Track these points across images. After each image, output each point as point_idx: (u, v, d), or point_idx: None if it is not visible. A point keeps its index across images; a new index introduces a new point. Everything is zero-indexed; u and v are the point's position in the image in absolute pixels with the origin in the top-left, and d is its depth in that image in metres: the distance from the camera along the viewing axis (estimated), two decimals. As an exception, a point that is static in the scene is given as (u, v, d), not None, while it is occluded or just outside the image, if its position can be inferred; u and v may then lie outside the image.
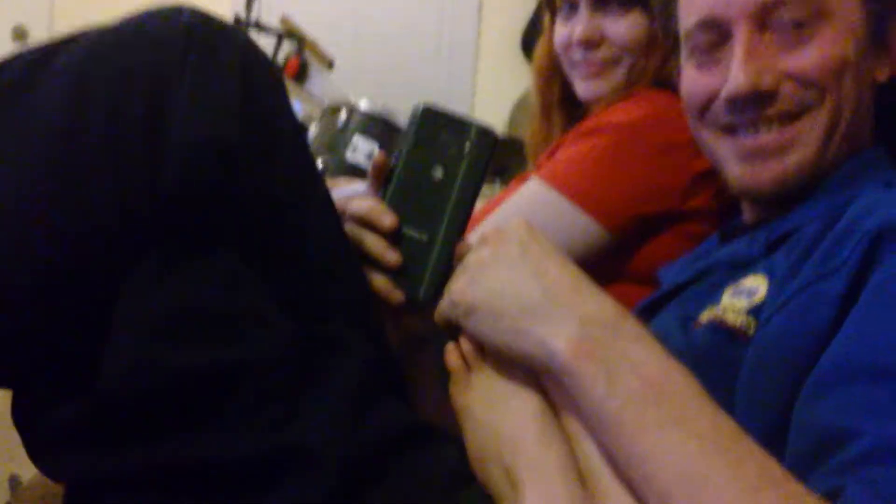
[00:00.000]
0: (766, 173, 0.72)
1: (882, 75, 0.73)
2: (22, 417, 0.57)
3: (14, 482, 1.08)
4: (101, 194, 0.53)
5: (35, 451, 0.57)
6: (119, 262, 0.53)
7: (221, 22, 0.60)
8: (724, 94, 0.72)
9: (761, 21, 0.70)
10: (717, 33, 0.73)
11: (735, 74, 0.70)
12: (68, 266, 0.52)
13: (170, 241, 0.54)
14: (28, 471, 1.02)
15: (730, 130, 0.74)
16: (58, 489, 0.84)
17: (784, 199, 0.72)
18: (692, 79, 0.77)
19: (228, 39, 0.59)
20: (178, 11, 0.59)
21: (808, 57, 0.69)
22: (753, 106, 0.70)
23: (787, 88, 0.70)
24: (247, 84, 0.58)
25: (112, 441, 0.52)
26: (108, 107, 0.54)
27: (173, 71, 0.55)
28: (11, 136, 0.53)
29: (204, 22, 0.58)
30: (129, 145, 0.53)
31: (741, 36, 0.70)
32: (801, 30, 0.69)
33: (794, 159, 0.71)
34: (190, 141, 0.54)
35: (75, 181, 0.52)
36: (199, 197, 0.55)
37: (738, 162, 0.74)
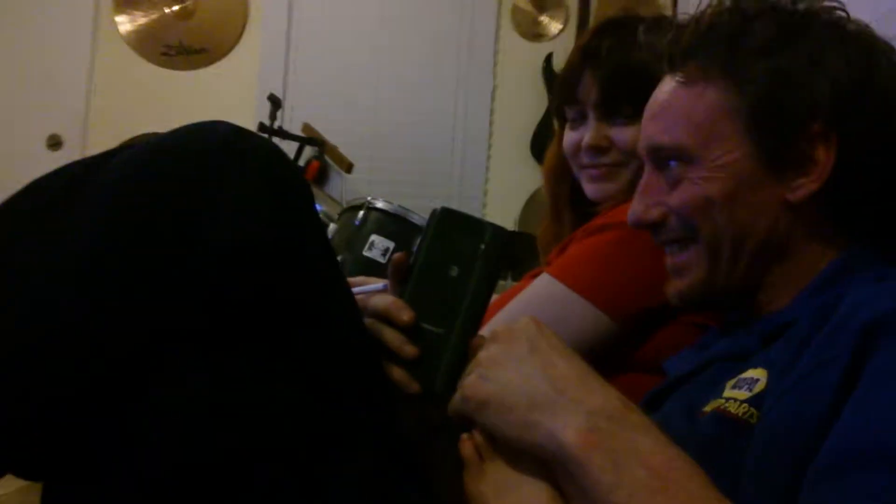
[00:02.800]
0: (672, 289, 0.81)
1: (798, 193, 0.73)
2: None
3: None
4: (132, 298, 0.56)
5: None
6: (149, 357, 0.56)
7: (255, 135, 0.65)
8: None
9: (655, 161, 0.79)
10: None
11: (632, 206, 0.81)
12: (100, 360, 0.56)
13: (198, 338, 0.58)
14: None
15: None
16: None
17: (709, 307, 0.83)
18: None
19: (262, 151, 0.64)
20: (214, 127, 0.64)
21: (678, 197, 0.76)
22: (654, 232, 0.81)
23: (671, 221, 0.78)
24: (277, 193, 0.62)
25: None
26: (148, 217, 0.58)
27: (210, 184, 0.60)
28: (51, 243, 0.58)
29: (240, 137, 0.63)
30: (161, 254, 0.58)
31: (645, 173, 0.81)
32: (676, 171, 0.77)
33: (687, 281, 0.79)
34: (224, 249, 0.58)
35: (106, 288, 0.56)
36: (228, 297, 0.59)
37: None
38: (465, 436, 0.66)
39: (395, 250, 1.91)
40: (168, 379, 0.56)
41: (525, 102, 3.37)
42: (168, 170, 0.60)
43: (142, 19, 3.38)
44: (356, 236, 1.94)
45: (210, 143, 0.62)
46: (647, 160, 0.80)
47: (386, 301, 0.71)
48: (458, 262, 0.72)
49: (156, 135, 0.64)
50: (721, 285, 0.77)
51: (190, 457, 0.54)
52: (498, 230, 0.73)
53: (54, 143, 3.31)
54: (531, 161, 3.30)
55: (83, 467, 0.57)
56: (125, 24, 3.37)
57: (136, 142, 0.64)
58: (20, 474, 0.59)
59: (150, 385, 0.56)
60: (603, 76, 1.11)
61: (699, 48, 0.76)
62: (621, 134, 1.11)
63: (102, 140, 0.71)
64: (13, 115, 3.32)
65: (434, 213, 0.74)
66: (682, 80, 0.77)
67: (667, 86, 0.79)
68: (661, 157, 0.78)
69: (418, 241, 0.74)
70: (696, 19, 0.77)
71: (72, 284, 0.56)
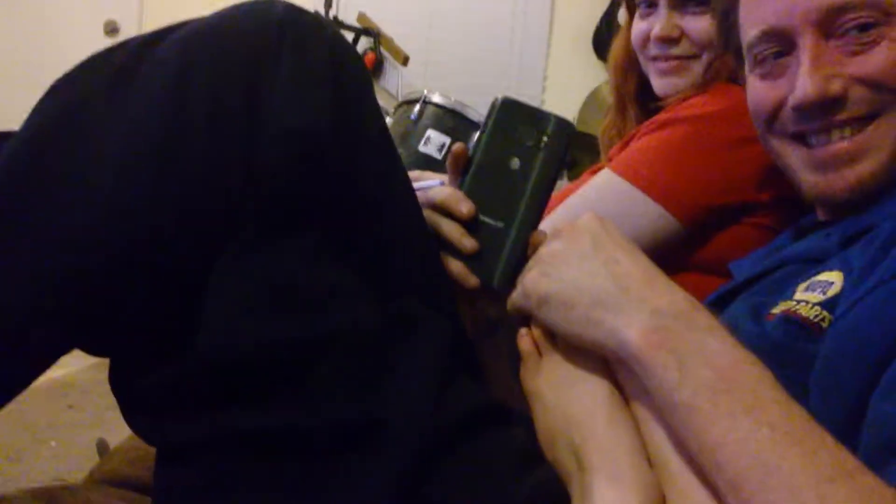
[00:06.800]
0: (840, 182, 0.71)
1: None
2: (119, 383, 0.60)
3: (102, 446, 1.14)
4: (200, 174, 0.56)
5: (131, 416, 0.60)
6: (213, 237, 0.56)
7: (313, 16, 0.63)
8: (791, 102, 0.71)
9: (826, 28, 0.69)
10: (780, 43, 0.73)
11: (802, 83, 0.69)
12: (167, 239, 0.55)
13: (261, 219, 0.57)
14: (115, 436, 1.07)
15: (799, 138, 0.74)
16: (144, 453, 0.89)
17: (859, 203, 0.71)
18: (758, 89, 0.77)
19: (319, 33, 0.61)
20: (271, 5, 0.61)
21: (877, 60, 0.67)
22: (822, 113, 0.69)
23: (857, 93, 0.68)
24: (336, 77, 0.60)
25: (204, 406, 0.55)
26: (209, 94, 0.57)
27: (268, 62, 0.58)
28: (119, 116, 0.56)
29: (296, 16, 0.61)
30: (227, 130, 0.56)
31: (806, 44, 0.69)
32: (867, 33, 0.67)
33: (869, 166, 0.69)
34: (283, 129, 0.57)
35: (177, 161, 0.55)
36: (290, 181, 0.57)
37: (810, 171, 0.73)
38: (523, 330, 0.65)
39: (451, 146, 1.89)
40: (229, 260, 0.56)
41: (588, -6, 3.23)
42: (222, 52, 0.58)
43: None
44: (412, 131, 1.92)
45: (267, 21, 0.60)
46: (810, 28, 0.69)
47: (445, 193, 0.70)
48: (519, 154, 0.70)
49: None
50: None
51: (251, 339, 0.55)
52: (562, 122, 0.70)
53: (111, 28, 3.33)
54: (592, 57, 3.19)
55: (146, 344, 0.57)
56: None
57: (190, 21, 0.62)
58: (88, 350, 0.60)
59: (212, 265, 0.56)
60: None
61: None
62: (694, 23, 1.06)
63: (158, 26, 0.71)
64: (70, 2, 3.33)
65: (495, 102, 0.71)
66: None
67: None
68: (844, 19, 0.68)
69: (478, 133, 0.72)
70: None
71: (132, 162, 0.55)
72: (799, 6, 0.70)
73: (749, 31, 0.76)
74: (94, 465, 0.92)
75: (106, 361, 0.62)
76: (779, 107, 0.74)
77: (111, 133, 0.56)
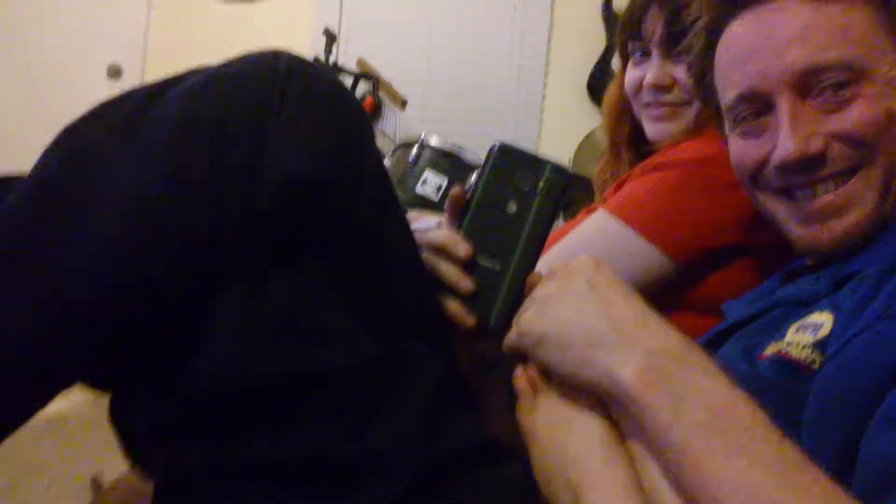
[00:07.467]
0: (828, 234, 0.73)
1: None
2: (120, 416, 0.61)
3: (96, 483, 1.13)
4: (204, 214, 0.57)
5: (130, 450, 0.61)
6: (216, 274, 0.57)
7: (316, 66, 0.65)
8: (774, 161, 0.73)
9: (802, 88, 0.71)
10: (758, 104, 0.75)
11: (783, 143, 0.71)
12: (170, 276, 0.57)
13: (262, 257, 0.58)
14: (110, 472, 1.06)
15: (785, 193, 0.75)
16: (139, 489, 0.89)
17: (846, 252, 0.72)
18: (740, 148, 0.79)
19: (323, 81, 0.64)
20: (276, 54, 0.63)
21: (853, 117, 0.69)
22: (805, 170, 0.71)
23: (837, 150, 0.70)
24: (338, 123, 0.62)
25: (202, 439, 0.56)
26: (213, 138, 0.58)
27: (273, 108, 0.60)
28: (125, 165, 0.58)
29: (301, 65, 0.63)
30: (230, 173, 0.58)
31: (784, 105, 0.72)
32: (842, 91, 0.70)
33: (854, 217, 0.71)
34: (285, 172, 0.59)
35: (181, 201, 0.57)
36: (291, 221, 0.59)
37: (798, 224, 0.75)
38: (519, 370, 0.66)
39: (448, 188, 1.91)
40: (229, 295, 0.57)
41: (583, 41, 3.29)
42: (229, 99, 0.60)
43: (199, -50, 3.37)
44: (409, 173, 1.94)
45: (272, 71, 0.62)
46: (787, 90, 0.71)
47: (443, 235, 0.71)
48: (515, 198, 0.71)
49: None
50: (888, 217, 0.70)
51: (249, 373, 0.56)
52: (557, 168, 0.72)
53: (114, 72, 3.37)
54: (587, 102, 3.24)
55: (148, 378, 0.58)
56: (182, -46, 3.37)
57: (196, 70, 0.64)
58: (91, 384, 0.61)
59: (213, 300, 0.57)
60: (669, 11, 1.07)
61: None
62: (686, 72, 1.08)
63: (160, 70, 0.73)
64: (74, 45, 3.38)
65: (492, 148, 0.73)
66: None
67: (795, 7, 0.72)
68: (819, 80, 0.70)
69: (475, 176, 0.73)
70: None
71: (139, 202, 0.57)
72: (773, 69, 0.72)
73: (726, 93, 0.78)
74: (88, 502, 0.91)
75: (102, 396, 0.62)
76: (762, 164, 0.76)
77: (117, 180, 0.57)
